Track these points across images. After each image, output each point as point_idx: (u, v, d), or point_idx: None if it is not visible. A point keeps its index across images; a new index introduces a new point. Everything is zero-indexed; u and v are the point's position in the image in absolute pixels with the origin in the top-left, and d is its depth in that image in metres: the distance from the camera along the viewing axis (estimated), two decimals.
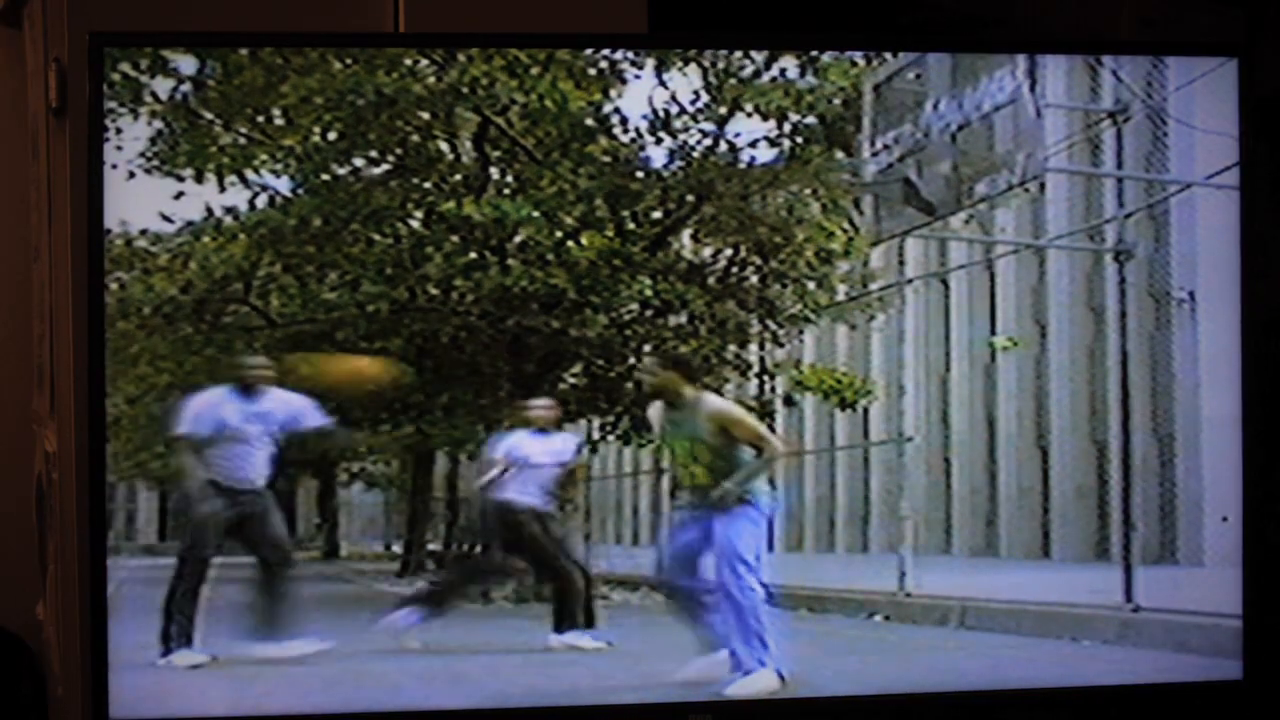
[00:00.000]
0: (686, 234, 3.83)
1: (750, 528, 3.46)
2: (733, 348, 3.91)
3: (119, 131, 3.20)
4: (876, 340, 3.98)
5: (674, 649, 3.46)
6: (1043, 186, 3.69)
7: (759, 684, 3.34)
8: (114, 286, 3.38)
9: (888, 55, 3.57)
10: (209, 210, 3.57)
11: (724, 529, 3.46)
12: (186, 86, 3.33)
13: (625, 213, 3.73)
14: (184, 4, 3.44)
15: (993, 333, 4.13)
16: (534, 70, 3.53)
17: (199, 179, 3.53)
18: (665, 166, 3.67)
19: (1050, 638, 3.71)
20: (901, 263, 4.06)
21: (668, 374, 3.51)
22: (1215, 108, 3.40)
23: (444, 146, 3.69)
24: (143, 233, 3.46)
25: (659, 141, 3.64)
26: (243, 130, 3.53)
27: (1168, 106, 3.56)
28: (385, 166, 3.67)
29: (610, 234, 3.72)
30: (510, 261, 3.71)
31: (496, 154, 3.68)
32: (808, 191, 3.86)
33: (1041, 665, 3.40)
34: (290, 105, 3.49)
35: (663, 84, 3.57)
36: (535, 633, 3.72)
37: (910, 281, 4.07)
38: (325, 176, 3.63)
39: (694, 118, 3.64)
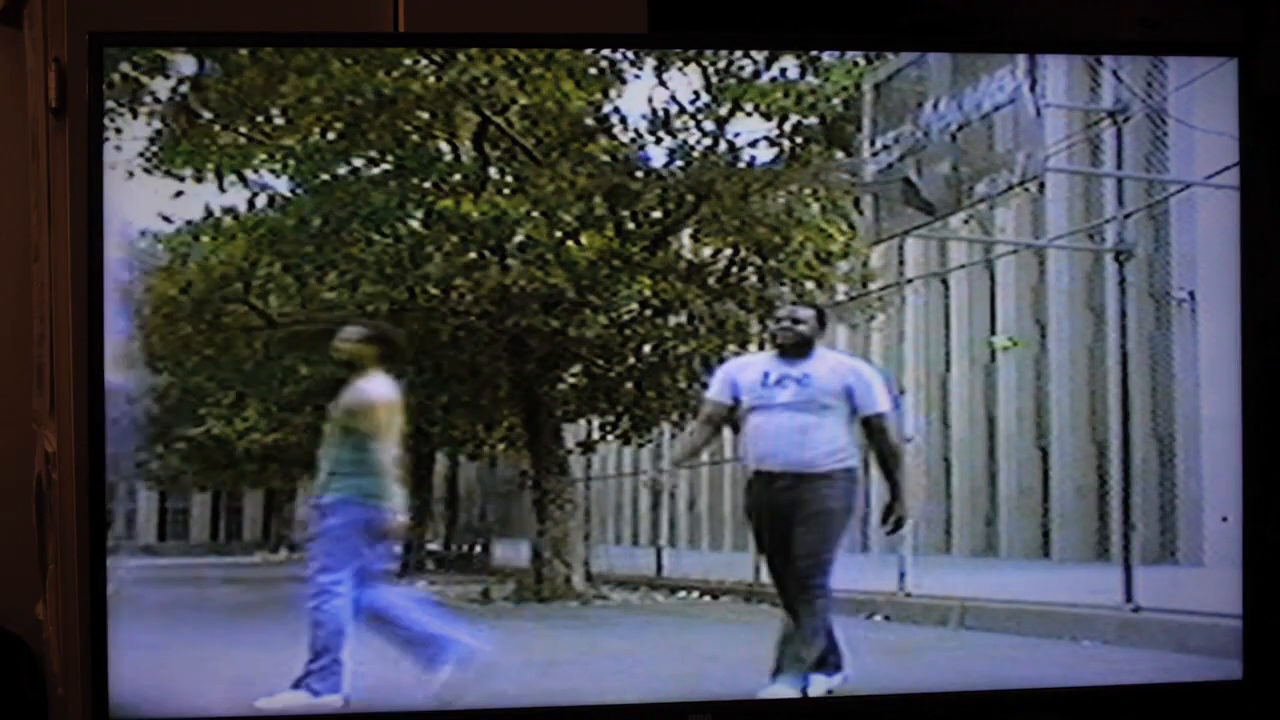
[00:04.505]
0: (686, 234, 3.83)
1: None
2: (733, 347, 3.90)
3: (119, 131, 3.20)
4: (876, 340, 3.97)
5: (674, 649, 3.46)
6: (1042, 186, 3.69)
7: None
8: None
9: (889, 55, 3.57)
10: (208, 210, 3.56)
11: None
12: (186, 86, 3.33)
13: (625, 212, 3.72)
14: (184, 4, 3.44)
15: (993, 333, 4.12)
16: (534, 70, 3.53)
17: (198, 179, 3.53)
18: (665, 166, 3.67)
19: (1050, 638, 3.71)
20: (901, 263, 4.05)
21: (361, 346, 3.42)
22: (1215, 108, 3.40)
23: (444, 146, 3.69)
24: (142, 233, 3.46)
25: (659, 141, 3.64)
26: (242, 130, 3.52)
27: (1168, 106, 3.56)
28: (385, 166, 3.67)
29: (610, 234, 3.72)
30: (510, 261, 3.71)
31: (496, 154, 3.68)
32: (807, 192, 3.86)
33: (1041, 665, 3.39)
34: (290, 105, 3.49)
35: (663, 84, 3.56)
36: (535, 633, 3.72)
37: (910, 281, 4.06)
38: (325, 176, 3.63)
39: (694, 118, 3.64)
